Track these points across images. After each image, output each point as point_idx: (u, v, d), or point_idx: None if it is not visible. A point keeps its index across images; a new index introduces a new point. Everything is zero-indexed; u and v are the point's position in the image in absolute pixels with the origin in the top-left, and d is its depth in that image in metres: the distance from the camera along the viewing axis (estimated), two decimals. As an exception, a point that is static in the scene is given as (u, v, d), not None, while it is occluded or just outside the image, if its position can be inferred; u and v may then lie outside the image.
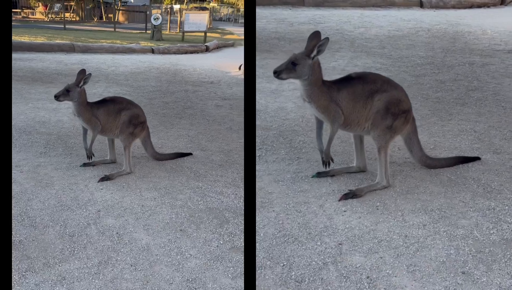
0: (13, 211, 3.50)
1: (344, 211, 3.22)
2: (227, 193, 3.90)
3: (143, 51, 13.64)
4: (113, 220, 3.44)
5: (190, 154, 4.83)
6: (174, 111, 6.68)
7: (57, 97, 4.21)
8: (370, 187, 3.45)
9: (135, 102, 4.61)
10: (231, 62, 11.67)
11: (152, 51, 13.78)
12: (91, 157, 4.50)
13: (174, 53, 14.07)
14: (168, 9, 25.37)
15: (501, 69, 6.73)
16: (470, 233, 2.91)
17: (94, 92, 7.32)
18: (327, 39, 3.28)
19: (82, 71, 4.26)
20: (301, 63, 3.30)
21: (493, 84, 6.07)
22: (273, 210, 3.27)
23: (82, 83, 4.22)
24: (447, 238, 2.87)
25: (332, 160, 3.63)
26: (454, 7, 12.14)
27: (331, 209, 3.26)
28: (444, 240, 2.86)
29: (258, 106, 5.42)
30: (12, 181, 4.00)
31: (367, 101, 3.41)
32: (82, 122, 4.38)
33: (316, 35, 3.34)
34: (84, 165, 4.49)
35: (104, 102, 4.46)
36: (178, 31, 21.34)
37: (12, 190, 3.84)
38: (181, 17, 20.94)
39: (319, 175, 3.69)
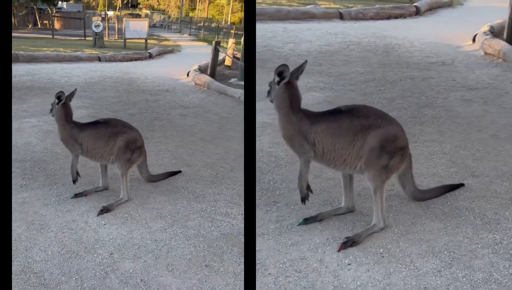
0: (13, 267, 3.16)
1: (349, 264, 2.95)
2: (233, 214, 3.91)
3: (90, 59, 13.95)
4: (131, 263, 3.22)
5: (179, 171, 4.78)
6: (143, 124, 6.70)
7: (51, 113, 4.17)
8: (367, 231, 3.21)
9: (131, 124, 4.40)
10: (176, 68, 12.29)
11: (99, 59, 14.15)
12: (76, 181, 4.23)
13: (120, 60, 14.66)
14: (106, 16, 25.43)
15: (442, 83, 6.89)
16: (490, 276, 2.76)
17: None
18: (285, 65, 3.19)
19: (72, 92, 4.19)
20: (271, 86, 3.28)
21: (440, 99, 6.18)
22: (269, 273, 2.93)
23: (56, 100, 4.05)
24: (469, 285, 2.70)
25: (311, 191, 3.38)
26: (372, 18, 12.45)
27: (333, 263, 2.97)
28: (466, 287, 2.69)
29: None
30: None
31: (355, 137, 3.17)
32: (60, 141, 4.21)
33: (288, 67, 3.23)
34: (76, 196, 4.18)
35: (95, 124, 4.19)
36: (116, 37, 22.51)
37: None
38: (118, 24, 22.13)
39: (306, 221, 3.39)
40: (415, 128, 5.13)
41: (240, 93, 9.07)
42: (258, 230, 3.38)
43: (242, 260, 3.25)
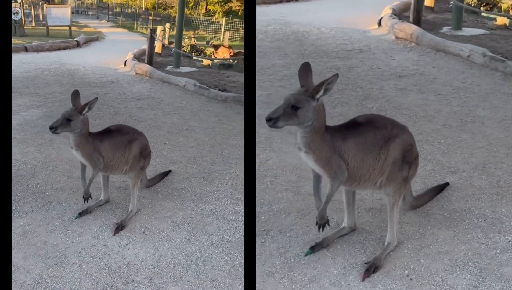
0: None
1: (381, 295, 2.85)
2: (243, 212, 3.90)
3: (16, 50, 13.15)
4: (176, 287, 3.16)
5: (170, 171, 4.77)
6: (106, 120, 6.51)
7: (54, 129, 3.49)
8: (384, 252, 3.08)
9: (138, 129, 4.21)
10: (110, 57, 11.96)
11: (26, 49, 13.48)
12: (87, 200, 3.92)
13: (48, 50, 13.98)
14: (22, 2, 23.25)
15: (369, 72, 6.97)
16: (524, 284, 2.84)
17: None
18: (336, 75, 2.78)
19: (76, 93, 3.63)
20: (305, 106, 2.73)
21: (375, 90, 6.24)
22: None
23: (86, 109, 3.58)
24: (511, 297, 2.77)
25: (328, 223, 3.08)
26: (265, 2, 11.91)
27: None
28: (510, 300, 2.76)
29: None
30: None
31: (380, 151, 2.95)
32: (81, 158, 3.74)
33: (307, 67, 2.86)
34: (80, 215, 3.90)
35: (108, 133, 3.87)
36: (34, 25, 20.84)
37: (18, 281, 3.20)
38: (34, 10, 20.63)
39: (313, 250, 3.16)
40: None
41: (184, 81, 9.18)
42: (264, 269, 3.08)
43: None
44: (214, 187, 4.58)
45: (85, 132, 3.67)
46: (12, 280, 3.16)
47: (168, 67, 11.19)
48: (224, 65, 11.67)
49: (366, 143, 2.93)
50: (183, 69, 11.17)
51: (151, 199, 4.30)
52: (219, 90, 8.81)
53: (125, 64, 11.28)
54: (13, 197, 4.22)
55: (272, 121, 2.72)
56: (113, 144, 3.80)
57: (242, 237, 3.62)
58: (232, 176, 4.88)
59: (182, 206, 4.19)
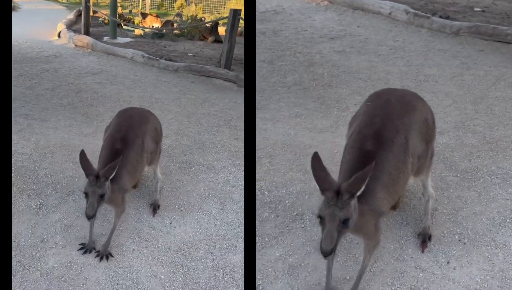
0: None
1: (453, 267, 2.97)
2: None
3: None
4: (236, 255, 3.25)
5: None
6: (71, 99, 6.45)
7: (92, 216, 3.00)
8: (427, 218, 3.14)
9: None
10: (37, 29, 11.42)
11: None
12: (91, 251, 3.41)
13: None
14: None
15: (297, 35, 7.21)
16: None
17: None
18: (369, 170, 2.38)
19: (84, 156, 3.05)
20: (351, 212, 2.34)
21: (315, 54, 6.48)
22: None
23: (113, 173, 3.08)
24: None
25: None
26: None
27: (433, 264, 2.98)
28: None
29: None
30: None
31: (405, 157, 2.68)
32: (109, 205, 3.34)
33: (320, 161, 2.46)
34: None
35: (125, 131, 3.44)
36: None
37: (91, 279, 3.16)
38: None
39: None
40: (338, 92, 5.37)
41: (132, 52, 9.03)
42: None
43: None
44: (214, 156, 4.76)
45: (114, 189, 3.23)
46: (85, 279, 3.15)
47: (105, 38, 10.76)
48: (157, 35, 11.47)
49: (391, 173, 2.62)
50: (120, 39, 10.82)
51: (164, 175, 4.25)
52: (166, 60, 8.74)
53: (59, 35, 10.67)
54: (29, 191, 4.04)
55: (331, 251, 2.29)
56: (131, 167, 3.42)
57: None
58: (222, 144, 5.06)
59: (197, 178, 4.33)
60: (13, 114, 5.81)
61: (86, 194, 2.99)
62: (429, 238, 3.10)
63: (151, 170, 3.85)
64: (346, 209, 2.29)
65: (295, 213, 3.49)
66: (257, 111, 5.01)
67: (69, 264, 3.25)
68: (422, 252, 3.04)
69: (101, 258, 3.28)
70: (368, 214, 2.52)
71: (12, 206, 3.76)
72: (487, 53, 6.30)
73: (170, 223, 3.71)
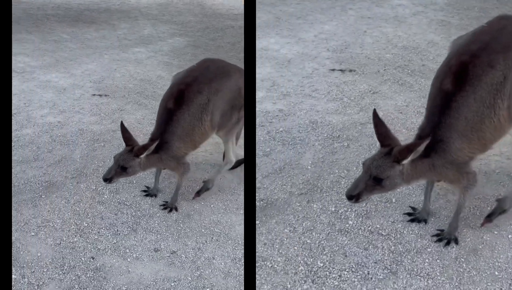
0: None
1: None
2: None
3: None
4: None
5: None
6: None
7: (109, 180, 2.88)
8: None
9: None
10: None
11: None
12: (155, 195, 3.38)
13: None
14: None
15: None
16: None
17: (148, 33, 7.07)
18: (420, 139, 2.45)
19: (125, 129, 2.95)
20: (390, 175, 2.38)
21: None
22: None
23: (145, 154, 2.88)
24: None
25: (457, 241, 2.73)
26: None
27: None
28: None
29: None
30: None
31: (495, 99, 2.47)
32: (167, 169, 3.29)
33: (383, 123, 2.50)
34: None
35: (205, 81, 3.06)
36: None
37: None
38: None
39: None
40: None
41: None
42: (367, 233, 2.82)
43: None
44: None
45: (152, 162, 3.01)
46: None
47: None
48: None
49: (469, 120, 2.45)
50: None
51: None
52: None
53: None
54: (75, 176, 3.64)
55: (354, 198, 2.40)
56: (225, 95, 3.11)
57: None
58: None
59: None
60: (191, 57, 5.97)
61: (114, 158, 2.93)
62: (502, 211, 2.79)
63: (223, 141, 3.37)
64: (382, 169, 2.36)
65: (315, 189, 3.26)
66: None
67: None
68: (481, 225, 2.78)
69: (170, 210, 3.20)
70: (442, 166, 2.48)
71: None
72: None
73: (224, 210, 3.32)
